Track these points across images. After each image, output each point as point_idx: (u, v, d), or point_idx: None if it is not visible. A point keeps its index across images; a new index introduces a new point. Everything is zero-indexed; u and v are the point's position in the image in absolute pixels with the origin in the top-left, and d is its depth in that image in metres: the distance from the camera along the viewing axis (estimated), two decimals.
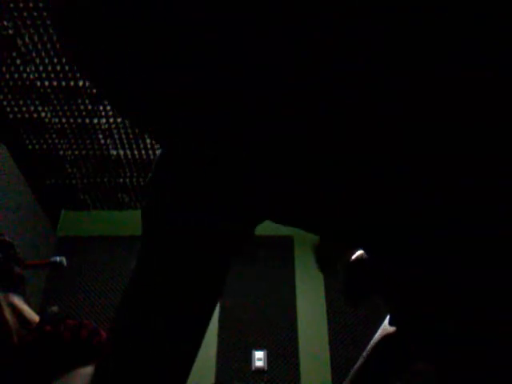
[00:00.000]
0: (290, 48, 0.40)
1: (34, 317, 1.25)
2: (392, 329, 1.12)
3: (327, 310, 3.38)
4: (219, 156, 0.52)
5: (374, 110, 0.43)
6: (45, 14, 2.46)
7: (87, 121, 3.08)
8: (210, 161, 0.52)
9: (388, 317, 1.15)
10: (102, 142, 3.24)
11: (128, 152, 3.33)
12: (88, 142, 3.24)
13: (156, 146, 3.27)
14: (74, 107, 2.97)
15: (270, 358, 3.17)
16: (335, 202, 0.55)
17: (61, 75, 2.78)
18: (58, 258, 2.50)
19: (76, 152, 3.33)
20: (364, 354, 1.18)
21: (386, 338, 1.12)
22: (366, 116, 0.44)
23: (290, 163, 0.51)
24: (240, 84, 0.44)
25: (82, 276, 3.49)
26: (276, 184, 0.55)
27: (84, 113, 3.02)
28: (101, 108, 2.99)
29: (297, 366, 3.17)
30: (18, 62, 2.70)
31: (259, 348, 3.20)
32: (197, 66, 0.44)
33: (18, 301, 1.25)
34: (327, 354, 3.21)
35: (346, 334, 3.27)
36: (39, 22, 2.51)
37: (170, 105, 0.49)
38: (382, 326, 1.16)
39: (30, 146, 3.25)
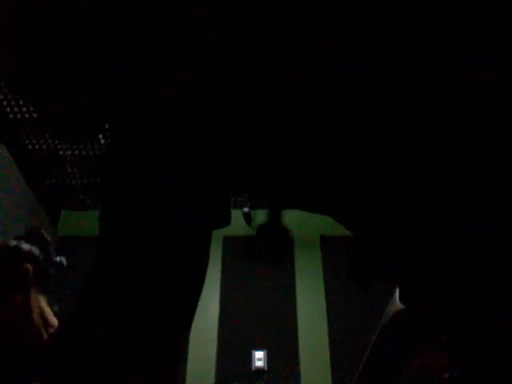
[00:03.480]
0: (290, 48, 0.40)
1: (54, 320, 1.22)
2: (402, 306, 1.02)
3: (327, 310, 3.38)
4: (219, 156, 0.52)
5: (374, 109, 0.43)
6: None
7: None
8: (210, 161, 0.52)
9: (397, 291, 1.02)
10: (102, 141, 3.24)
11: None
12: (88, 142, 3.24)
13: None
14: None
15: (269, 358, 3.17)
16: (335, 202, 0.55)
17: None
18: (58, 258, 2.50)
19: (76, 152, 3.33)
20: (377, 331, 1.08)
21: (399, 314, 1.01)
22: (366, 116, 0.44)
23: (290, 163, 0.51)
24: (240, 84, 0.44)
25: (82, 276, 3.48)
26: (276, 184, 0.55)
27: None
28: None
29: (297, 365, 3.17)
30: None
31: (259, 348, 3.19)
32: (197, 65, 0.44)
33: (43, 302, 1.22)
34: (327, 354, 3.21)
35: (346, 334, 3.27)
36: None
37: (170, 105, 0.49)
38: (393, 301, 1.04)
39: (29, 146, 3.25)
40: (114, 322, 0.52)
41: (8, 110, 2.97)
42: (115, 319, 0.52)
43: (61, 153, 3.33)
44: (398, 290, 1.02)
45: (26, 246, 1.21)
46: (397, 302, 1.01)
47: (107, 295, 0.52)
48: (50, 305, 1.25)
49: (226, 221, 0.58)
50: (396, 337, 1.05)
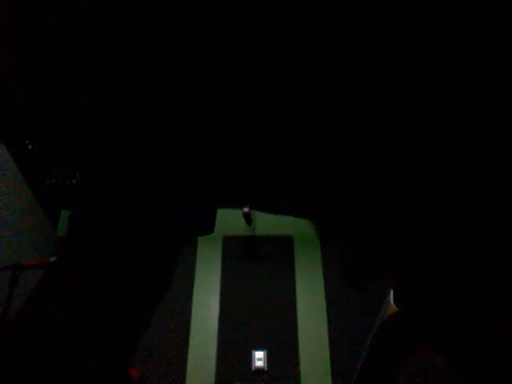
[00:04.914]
0: (290, 48, 0.40)
1: None
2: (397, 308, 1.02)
3: (327, 310, 3.38)
4: (219, 156, 0.52)
5: (374, 109, 0.43)
6: None
7: None
8: (210, 161, 0.52)
9: (391, 293, 1.03)
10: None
11: None
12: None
13: None
14: None
15: (269, 358, 3.17)
16: (335, 202, 0.55)
17: None
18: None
19: None
20: (372, 333, 1.07)
21: (394, 316, 1.00)
22: (366, 116, 0.44)
23: (290, 163, 0.51)
24: (240, 84, 0.44)
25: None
26: (276, 184, 0.55)
27: None
28: None
29: (297, 365, 3.17)
30: None
31: (259, 348, 3.19)
32: (197, 65, 0.44)
33: None
34: (327, 354, 3.21)
35: (346, 334, 3.27)
36: None
37: (170, 105, 0.49)
38: (387, 303, 1.04)
39: (30, 146, 3.25)
40: (113, 321, 0.52)
41: None
42: (115, 319, 0.52)
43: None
44: (392, 292, 1.02)
45: None
46: (391, 304, 1.02)
47: (107, 295, 0.52)
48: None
49: (213, 224, 0.59)
50: (391, 338, 1.06)
